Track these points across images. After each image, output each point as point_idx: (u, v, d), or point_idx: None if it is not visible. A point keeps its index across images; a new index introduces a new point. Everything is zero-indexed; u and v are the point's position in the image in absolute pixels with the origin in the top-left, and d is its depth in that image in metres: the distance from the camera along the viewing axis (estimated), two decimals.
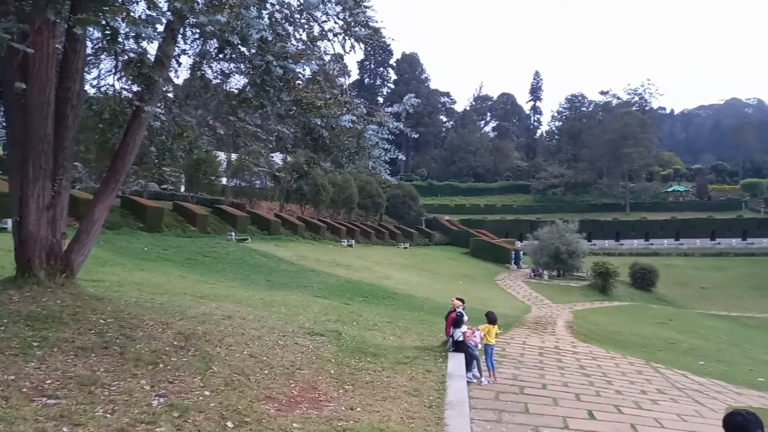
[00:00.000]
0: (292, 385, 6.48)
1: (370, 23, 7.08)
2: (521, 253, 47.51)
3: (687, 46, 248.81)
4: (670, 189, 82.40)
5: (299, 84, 6.94)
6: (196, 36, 6.80)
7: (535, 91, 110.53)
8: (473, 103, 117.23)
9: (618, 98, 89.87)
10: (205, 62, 7.33)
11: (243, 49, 6.41)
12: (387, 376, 7.70)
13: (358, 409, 5.99)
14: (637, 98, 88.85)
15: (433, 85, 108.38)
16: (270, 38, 6.14)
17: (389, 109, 6.73)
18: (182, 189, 40.21)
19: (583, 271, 40.23)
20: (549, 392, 8.85)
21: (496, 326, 9.88)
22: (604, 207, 75.33)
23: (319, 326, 10.70)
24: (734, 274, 49.01)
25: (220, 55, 7.20)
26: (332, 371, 7.47)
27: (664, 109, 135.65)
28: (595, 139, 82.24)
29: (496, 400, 7.95)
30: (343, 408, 5.95)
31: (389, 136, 6.89)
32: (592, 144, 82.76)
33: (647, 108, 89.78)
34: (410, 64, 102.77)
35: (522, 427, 6.70)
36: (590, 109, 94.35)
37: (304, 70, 6.53)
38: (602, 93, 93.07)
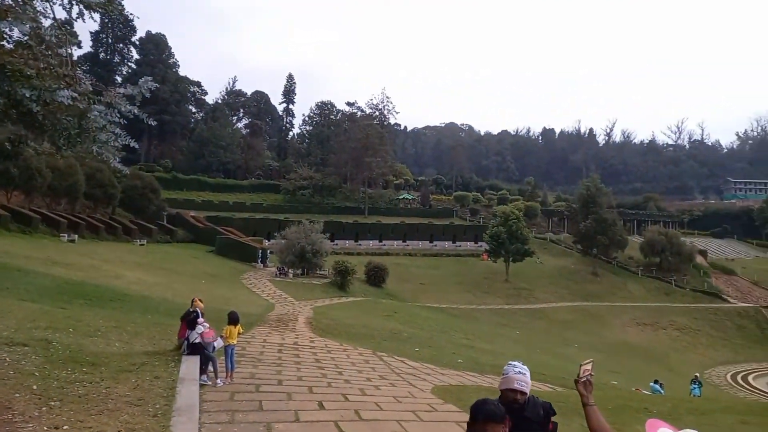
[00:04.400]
0: None
1: None
2: (268, 251, 47.90)
3: (420, 71, 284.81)
4: (401, 196, 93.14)
5: (4, 46, 5.73)
6: None
7: (289, 94, 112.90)
8: (226, 97, 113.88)
9: (362, 110, 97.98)
10: None
11: None
12: (106, 387, 6.92)
13: (65, 428, 5.23)
14: (377, 113, 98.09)
15: (182, 72, 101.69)
16: None
17: (122, 90, 6.00)
18: None
19: (326, 269, 42.57)
20: (284, 388, 9.10)
21: (238, 326, 9.76)
22: (347, 210, 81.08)
23: (23, 335, 9.05)
24: (445, 272, 57.81)
25: None
26: (35, 386, 6.38)
27: (399, 125, 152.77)
28: (341, 146, 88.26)
29: (231, 401, 7.83)
30: (45, 428, 5.13)
31: (121, 120, 6.16)
32: (338, 150, 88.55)
33: (386, 123, 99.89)
34: (156, 45, 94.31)
35: (254, 426, 6.73)
36: (338, 117, 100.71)
37: (11, 30, 5.41)
38: (348, 104, 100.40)
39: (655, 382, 23.85)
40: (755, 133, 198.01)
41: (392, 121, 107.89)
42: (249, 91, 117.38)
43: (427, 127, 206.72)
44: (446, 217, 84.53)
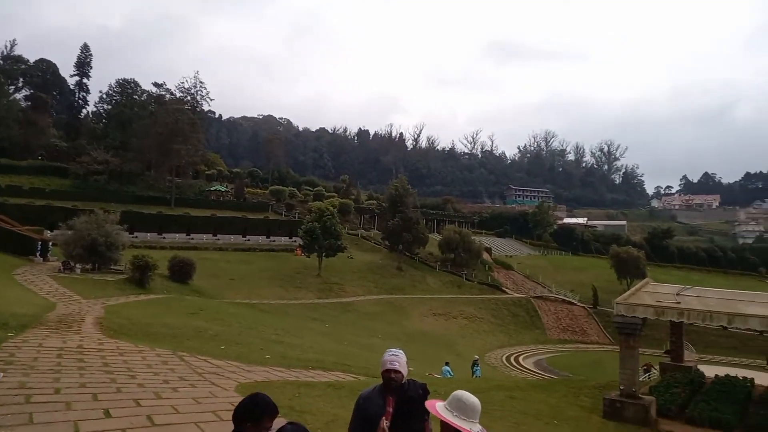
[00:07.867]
0: None
1: None
2: (50, 243, 41.84)
3: (238, 60, 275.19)
4: (212, 188, 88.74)
5: None
6: None
7: (83, 66, 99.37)
8: (1, 62, 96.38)
9: (171, 93, 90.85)
10: None
11: None
12: None
13: None
14: (189, 98, 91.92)
15: None
16: None
17: None
18: None
19: (122, 264, 38.71)
20: (63, 397, 8.09)
21: None
22: (150, 200, 74.45)
23: None
24: (257, 267, 56.77)
25: None
26: None
27: (214, 113, 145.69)
28: (145, 130, 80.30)
29: None
30: None
31: None
32: (142, 134, 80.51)
33: (198, 109, 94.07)
34: None
35: None
36: (143, 98, 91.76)
37: None
38: (156, 85, 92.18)
39: (446, 364, 26.58)
40: (532, 148, 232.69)
41: (206, 107, 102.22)
42: (32, 59, 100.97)
43: (243, 118, 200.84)
44: (261, 212, 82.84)
